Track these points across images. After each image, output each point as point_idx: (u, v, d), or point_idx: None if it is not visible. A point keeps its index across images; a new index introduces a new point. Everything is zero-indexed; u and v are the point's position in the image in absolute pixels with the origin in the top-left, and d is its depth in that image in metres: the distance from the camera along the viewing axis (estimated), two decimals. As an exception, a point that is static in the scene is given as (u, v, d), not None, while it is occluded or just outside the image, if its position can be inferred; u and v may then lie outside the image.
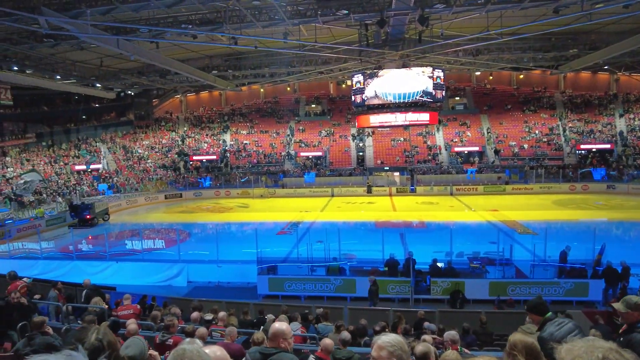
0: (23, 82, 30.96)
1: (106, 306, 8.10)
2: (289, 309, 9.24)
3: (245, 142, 43.48)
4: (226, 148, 42.88)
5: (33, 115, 40.50)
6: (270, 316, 8.11)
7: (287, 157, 41.16)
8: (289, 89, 48.51)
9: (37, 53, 25.94)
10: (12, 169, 33.95)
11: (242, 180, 37.33)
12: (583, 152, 37.01)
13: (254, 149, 42.34)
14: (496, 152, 38.29)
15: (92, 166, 36.53)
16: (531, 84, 45.13)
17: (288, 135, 43.72)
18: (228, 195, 35.85)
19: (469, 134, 40.90)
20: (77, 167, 37.20)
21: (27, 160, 36.00)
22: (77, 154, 39.26)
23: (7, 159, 35.33)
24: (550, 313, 3.32)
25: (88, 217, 25.62)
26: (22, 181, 30.84)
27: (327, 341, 4.33)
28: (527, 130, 40.20)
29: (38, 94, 38.69)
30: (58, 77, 31.00)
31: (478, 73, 44.92)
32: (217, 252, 15.35)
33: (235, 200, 34.32)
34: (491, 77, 45.42)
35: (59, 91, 37.08)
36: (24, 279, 8.10)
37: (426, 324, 8.44)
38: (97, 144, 41.49)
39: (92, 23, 18.17)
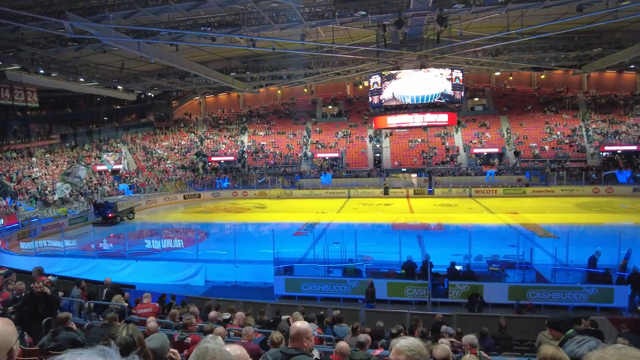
0: (49, 84, 31.93)
1: (126, 304, 8.26)
2: (305, 309, 9.25)
3: (262, 143, 43.79)
4: (244, 149, 43.27)
5: (58, 117, 41.63)
6: (285, 316, 8.15)
7: (303, 158, 41.28)
8: (305, 90, 48.66)
9: (62, 56, 26.68)
10: (37, 169, 34.94)
11: (259, 181, 37.59)
12: (607, 153, 36.00)
13: (271, 150, 42.60)
14: (516, 153, 37.60)
15: (113, 166, 37.31)
16: (552, 84, 44.19)
17: (305, 136, 43.85)
18: (245, 195, 36.14)
19: (488, 135, 40.28)
20: (99, 168, 38.05)
21: (52, 161, 37.00)
22: (99, 155, 40.17)
23: (33, 159, 36.38)
24: (571, 330, 3.23)
25: (110, 215, 26.35)
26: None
27: (342, 344, 4.31)
28: (548, 131, 39.35)
29: (62, 96, 39.80)
30: (81, 79, 31.82)
31: (498, 73, 44.20)
32: (235, 252, 15.47)
33: (253, 200, 34.58)
34: (511, 78, 44.62)
35: (83, 93, 38.05)
36: (50, 277, 8.33)
37: (444, 327, 8.35)
38: (118, 144, 42.39)
39: (114, 27, 18.60)
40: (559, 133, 38.90)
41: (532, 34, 23.52)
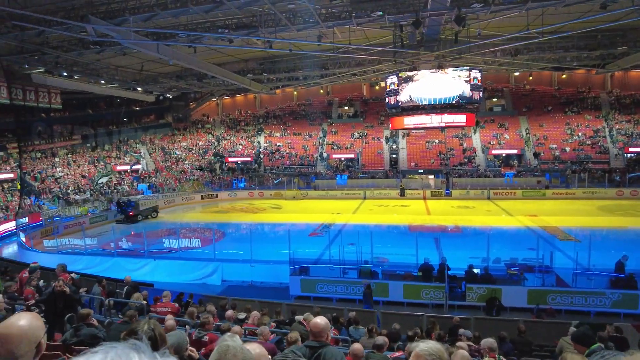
0: (71, 86, 32.80)
1: (145, 302, 8.39)
2: (321, 310, 9.24)
3: (278, 144, 44.00)
4: (260, 150, 43.56)
5: (79, 118, 42.62)
6: (298, 317, 8.15)
7: (319, 159, 41.31)
8: (321, 91, 48.72)
9: (84, 59, 27.32)
10: (60, 169, 35.83)
11: (275, 181, 37.77)
12: (632, 155, 34.98)
13: (287, 151, 42.76)
14: (536, 155, 36.89)
15: (133, 167, 38.02)
16: (574, 84, 43.20)
17: (320, 137, 43.89)
18: (261, 196, 36.36)
19: (507, 136, 39.63)
20: (119, 168, 38.82)
21: (74, 161, 37.90)
22: (118, 155, 40.99)
23: (56, 159, 37.32)
24: (597, 344, 3.13)
25: (131, 214, 27.00)
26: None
27: (356, 346, 4.28)
28: (569, 132, 38.50)
29: (84, 98, 40.73)
30: (102, 81, 32.56)
31: (517, 73, 43.45)
32: (251, 252, 15.57)
33: (269, 201, 34.75)
34: (531, 78, 43.82)
35: (103, 95, 38.94)
36: (72, 274, 8.53)
37: (461, 330, 8.24)
38: (138, 145, 43.16)
39: (134, 29, 18.96)
40: (580, 134, 38.01)
41: (553, 33, 23.03)
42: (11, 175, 32.09)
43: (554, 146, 37.35)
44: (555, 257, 13.75)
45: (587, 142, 37.01)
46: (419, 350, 1.64)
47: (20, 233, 21.71)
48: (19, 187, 29.98)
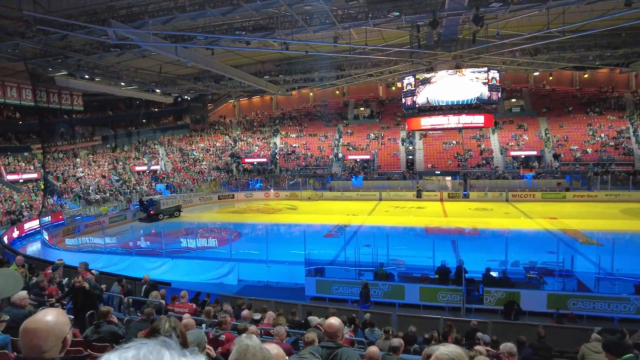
0: (92, 89, 33.57)
1: (163, 301, 8.52)
2: (337, 311, 9.23)
3: (294, 145, 44.15)
4: (276, 151, 43.78)
5: (100, 120, 43.60)
6: (313, 318, 8.16)
7: (334, 160, 41.30)
8: (337, 92, 48.71)
9: (105, 62, 27.93)
10: (81, 169, 36.68)
11: (291, 182, 37.89)
12: (657, 157, 33.99)
13: (303, 152, 42.87)
14: (556, 156, 36.13)
15: (151, 167, 38.68)
16: (597, 83, 42.16)
17: (336, 138, 43.87)
18: (277, 197, 36.53)
19: (526, 137, 38.93)
20: (137, 168, 39.53)
21: (94, 162, 38.75)
22: (137, 156, 41.73)
23: (77, 159, 38.22)
24: (630, 355, 2.97)
25: (152, 212, 27.68)
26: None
27: (372, 349, 4.26)
28: (591, 133, 37.58)
29: (104, 99, 41.64)
30: (122, 83, 33.20)
31: (536, 73, 42.62)
32: (267, 252, 15.65)
33: (284, 202, 34.88)
34: (551, 78, 42.93)
35: (123, 97, 39.75)
36: (93, 271, 8.72)
37: (479, 334, 8.11)
38: (156, 146, 43.88)
39: (153, 32, 19.29)
40: (603, 135, 37.07)
41: (575, 32, 22.49)
42: (35, 175, 33.02)
43: (575, 147, 36.52)
44: (576, 261, 13.44)
45: (610, 143, 36.06)
46: (439, 354, 1.58)
47: (44, 231, 22.28)
48: (42, 186, 30.81)
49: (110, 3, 17.46)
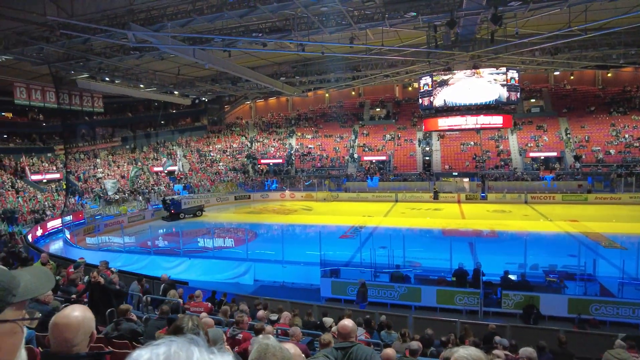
0: (112, 91, 34.31)
1: (181, 300, 8.63)
2: (352, 313, 9.20)
3: (309, 146, 44.23)
4: (292, 152, 43.95)
5: (119, 121, 44.55)
6: (328, 320, 8.16)
7: (350, 161, 41.22)
8: (353, 93, 48.64)
9: (124, 65, 28.50)
10: (101, 169, 37.48)
11: (306, 183, 37.97)
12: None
13: (318, 153, 42.92)
14: (577, 157, 35.31)
15: (169, 168, 39.28)
16: (621, 82, 41.06)
17: (351, 139, 43.79)
18: (293, 197, 36.65)
19: (545, 138, 38.17)
20: (156, 169, 40.18)
21: (114, 162, 39.57)
22: (156, 157, 42.43)
23: (98, 160, 39.09)
24: None
25: (172, 211, 28.36)
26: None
27: (388, 351, 4.23)
28: (614, 134, 36.61)
29: (124, 101, 42.50)
30: (141, 85, 33.82)
31: (557, 73, 41.77)
32: (282, 253, 15.71)
33: (300, 202, 34.97)
34: (572, 77, 42.02)
35: (142, 98, 40.49)
36: (112, 269, 8.91)
37: (497, 338, 7.98)
38: (174, 147, 44.53)
39: (172, 35, 19.60)
40: (627, 136, 36.06)
41: (598, 30, 21.93)
42: (58, 176, 33.90)
43: (597, 148, 35.63)
44: (598, 265, 13.08)
45: (635, 144, 35.05)
46: (458, 356, 1.55)
47: (65, 230, 22.82)
48: (64, 186, 31.58)
49: (130, 7, 17.80)
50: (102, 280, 6.94)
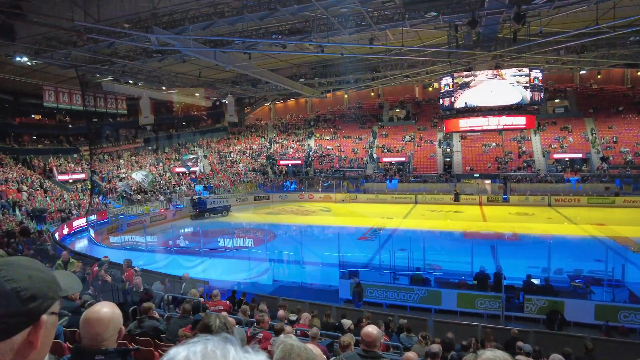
0: (135, 93, 35.07)
1: (202, 299, 8.74)
2: (371, 315, 9.15)
3: (328, 147, 44.25)
4: (310, 153, 44.05)
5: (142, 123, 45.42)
6: (345, 321, 8.12)
7: (369, 162, 41.04)
8: (372, 94, 48.41)
9: (147, 67, 29.10)
10: (124, 170, 38.36)
11: (325, 184, 37.98)
12: None
13: (337, 154, 42.88)
14: (604, 159, 34.26)
15: (188, 163, 39.92)
16: (651, 82, 39.67)
17: (370, 140, 43.60)
18: (311, 198, 36.72)
19: (570, 139, 37.18)
20: (177, 170, 40.86)
21: (136, 163, 40.43)
22: (177, 157, 43.16)
23: (121, 161, 40.00)
24: None
25: (197, 210, 29.46)
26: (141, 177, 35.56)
27: (410, 355, 4.18)
28: (644, 135, 35.39)
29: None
30: (163, 87, 34.48)
31: (583, 72, 40.58)
32: (301, 254, 15.76)
33: (318, 203, 35.01)
34: (599, 76, 40.74)
35: (164, 100, 41.25)
36: (135, 268, 9.09)
37: (519, 343, 7.81)
38: (195, 148, 45.22)
39: (193, 37, 19.91)
40: (657, 137, 34.82)
41: (627, 27, 21.19)
42: (83, 176, 34.85)
43: (626, 149, 34.48)
44: (627, 271, 12.64)
45: (665, 146, 33.84)
46: (485, 358, 1.51)
47: (90, 229, 23.44)
48: (89, 186, 32.44)
49: (154, 10, 18.17)
50: (109, 279, 7.09)
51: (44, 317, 0.75)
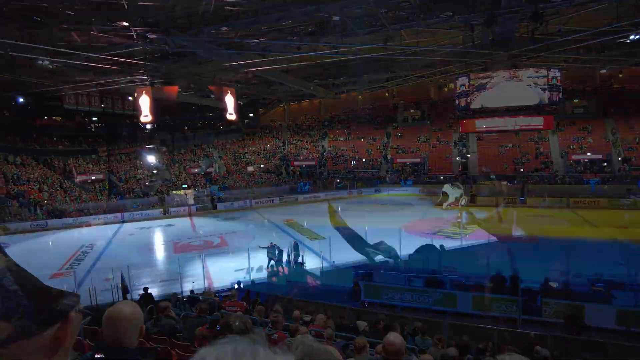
0: (152, 95, 35.47)
1: (217, 299, 8.83)
2: (386, 317, 9.11)
3: (342, 148, 44.20)
4: (324, 154, 44.06)
5: (159, 124, 46.04)
6: (360, 323, 8.09)
7: (383, 162, 40.85)
8: (387, 94, 48.19)
9: (163, 69, 29.45)
10: (140, 170, 38.95)
11: (339, 185, 37.93)
12: None
13: (351, 155, 42.81)
14: (626, 160, 33.42)
15: (207, 169, 40.35)
16: (675, 80, 38.52)
17: (384, 141, 43.40)
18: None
19: (590, 140, 36.39)
20: (193, 170, 41.32)
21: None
22: (193, 158, 43.65)
23: (138, 162, 40.64)
24: None
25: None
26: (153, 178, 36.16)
27: (426, 357, 4.14)
28: (667, 135, 34.42)
29: (162, 104, 43.84)
30: (179, 89, 34.84)
31: (603, 71, 39.67)
32: (315, 254, 15.75)
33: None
34: (621, 75, 39.76)
35: (179, 102, 41.72)
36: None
37: (537, 347, 7.66)
38: (210, 149, 45.67)
39: (209, 40, 20.12)
40: (681, 137, 33.83)
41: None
42: (101, 176, 35.53)
43: (649, 151, 33.61)
44: (651, 275, 12.30)
45: (690, 147, 32.86)
46: None
47: (108, 229, 23.86)
48: (107, 186, 33.05)
49: (171, 13, 18.41)
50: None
51: (72, 313, 0.77)
